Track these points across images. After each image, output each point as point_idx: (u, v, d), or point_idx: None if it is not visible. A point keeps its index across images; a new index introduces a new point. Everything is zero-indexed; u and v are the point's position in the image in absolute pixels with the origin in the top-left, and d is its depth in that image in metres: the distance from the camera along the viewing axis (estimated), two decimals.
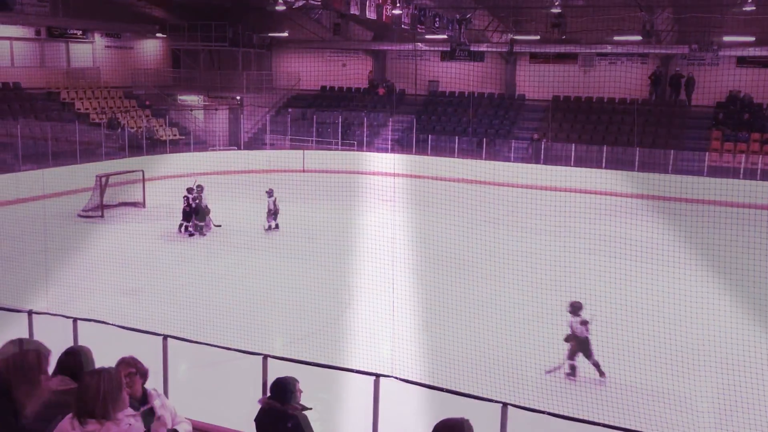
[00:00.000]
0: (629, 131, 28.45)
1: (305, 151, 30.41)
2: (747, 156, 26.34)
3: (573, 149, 27.80)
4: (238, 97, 33.55)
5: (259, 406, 5.79)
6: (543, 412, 6.83)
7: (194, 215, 19.24)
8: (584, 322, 10.78)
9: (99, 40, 32.07)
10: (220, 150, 31.37)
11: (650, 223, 20.13)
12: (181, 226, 19.36)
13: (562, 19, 27.01)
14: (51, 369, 4.08)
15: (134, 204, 22.33)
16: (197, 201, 19.23)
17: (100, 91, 30.92)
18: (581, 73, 30.89)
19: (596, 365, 10.76)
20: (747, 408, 9.36)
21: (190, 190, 19.30)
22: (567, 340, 10.90)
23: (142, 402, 4.58)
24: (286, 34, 33.83)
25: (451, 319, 12.65)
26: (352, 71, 34.81)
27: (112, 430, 3.55)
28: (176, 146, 30.18)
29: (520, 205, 19.93)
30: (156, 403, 4.66)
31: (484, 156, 28.89)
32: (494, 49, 31.56)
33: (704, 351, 10.98)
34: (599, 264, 15.20)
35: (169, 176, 25.08)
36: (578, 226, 17.66)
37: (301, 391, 5.77)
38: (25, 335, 8.17)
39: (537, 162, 28.12)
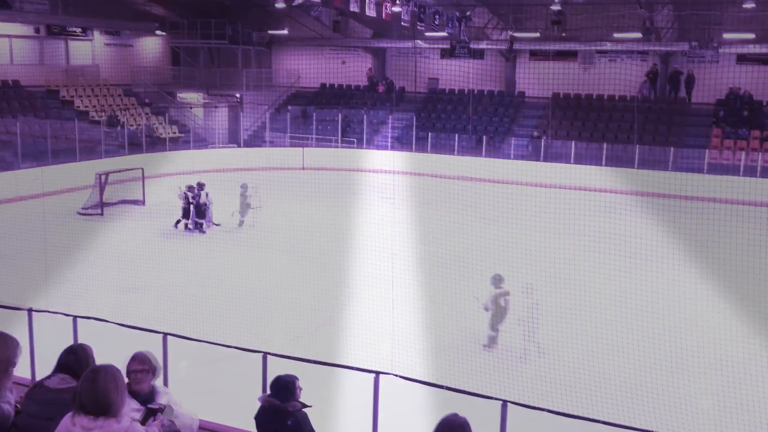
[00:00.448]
0: (629, 129, 28.45)
1: (305, 149, 30.39)
2: (747, 153, 26.34)
3: (573, 146, 27.79)
4: (238, 95, 33.53)
5: (259, 404, 5.79)
6: (542, 410, 6.84)
7: (194, 212, 19.25)
8: (504, 294, 11.46)
9: (98, 38, 32.04)
10: (219, 148, 31.36)
11: (650, 220, 20.13)
12: (178, 222, 19.34)
13: (562, 17, 26.98)
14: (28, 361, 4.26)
15: (134, 202, 22.32)
16: (197, 198, 19.23)
17: (100, 88, 30.90)
18: (581, 70, 30.88)
19: (495, 333, 11.48)
20: (746, 406, 9.36)
21: (190, 188, 19.29)
22: (487, 309, 11.56)
23: (149, 399, 4.55)
24: (285, 32, 33.79)
25: (450, 316, 12.66)
26: (351, 69, 34.80)
27: (114, 427, 3.55)
28: (176, 144, 30.17)
29: (519, 202, 19.91)
30: (162, 400, 4.64)
31: (483, 153, 28.90)
32: (494, 47, 31.53)
33: (704, 349, 10.99)
34: (599, 261, 15.20)
35: (168, 174, 25.08)
36: (578, 223, 17.66)
37: (301, 389, 5.77)
38: (26, 333, 8.18)
39: (537, 159, 28.11)
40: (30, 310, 8.47)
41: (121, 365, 4.22)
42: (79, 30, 31.00)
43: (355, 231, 18.31)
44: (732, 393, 9.58)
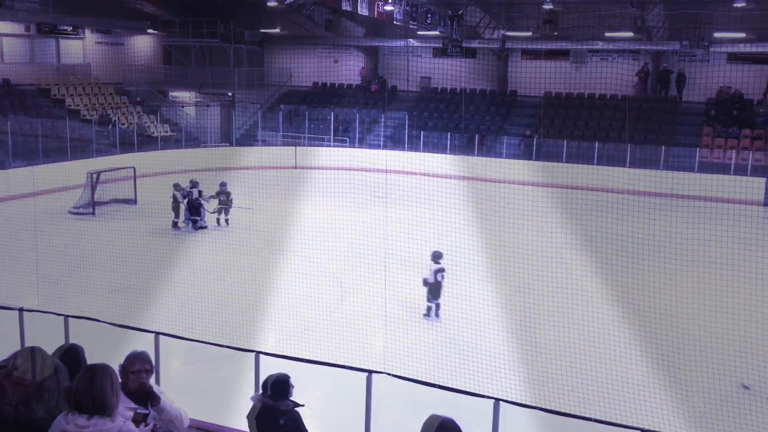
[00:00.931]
0: (621, 127, 28.53)
1: (297, 148, 30.35)
2: (737, 152, 26.48)
3: (565, 145, 27.87)
4: (230, 94, 33.45)
5: (252, 403, 5.79)
6: (535, 408, 6.86)
7: (188, 211, 19.26)
8: (441, 270, 12.41)
9: (90, 36, 31.89)
10: (212, 147, 31.28)
11: (641, 219, 20.19)
12: (175, 223, 19.36)
13: (555, 16, 27.04)
14: None
15: (125, 201, 22.25)
16: (190, 196, 19.23)
17: (91, 87, 30.75)
18: (573, 69, 30.96)
19: (436, 307, 12.37)
20: (747, 407, 9.41)
21: (177, 187, 19.34)
22: (425, 284, 12.38)
23: (145, 399, 4.53)
24: (277, 30, 33.74)
25: (443, 314, 12.67)
26: (344, 68, 34.77)
27: (108, 426, 3.54)
28: (168, 143, 30.07)
29: (512, 201, 19.95)
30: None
31: (476, 152, 28.94)
32: (487, 46, 31.54)
33: (697, 345, 11.04)
34: (591, 260, 15.25)
35: (160, 173, 24.98)
36: (569, 222, 17.70)
37: (293, 387, 5.77)
38: (16, 333, 8.14)
39: (529, 158, 28.17)
40: (21, 310, 8.43)
41: (114, 365, 4.20)
42: (70, 28, 30.84)
43: (348, 230, 18.30)
44: (727, 391, 9.62)
